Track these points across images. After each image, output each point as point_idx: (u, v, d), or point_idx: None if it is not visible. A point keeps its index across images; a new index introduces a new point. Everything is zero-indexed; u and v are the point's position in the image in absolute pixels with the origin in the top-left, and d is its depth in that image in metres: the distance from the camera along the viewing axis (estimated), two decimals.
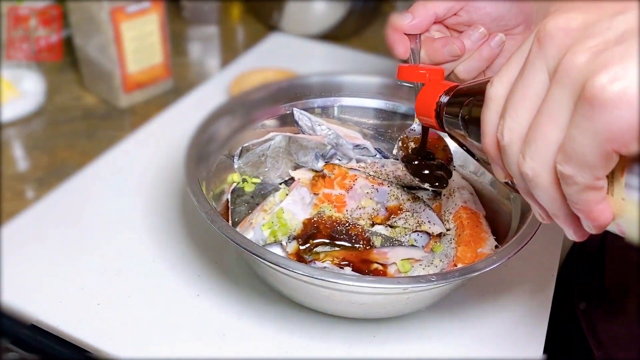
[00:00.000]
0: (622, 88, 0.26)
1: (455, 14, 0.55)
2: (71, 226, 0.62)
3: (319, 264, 0.53)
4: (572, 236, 0.33)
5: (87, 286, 0.55)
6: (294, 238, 0.54)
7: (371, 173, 0.63)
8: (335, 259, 0.54)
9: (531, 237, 0.48)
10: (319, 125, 0.67)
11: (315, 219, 0.55)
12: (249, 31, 1.10)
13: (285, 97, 0.66)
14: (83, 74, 0.86)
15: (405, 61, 0.55)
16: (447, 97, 0.44)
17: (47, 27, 0.78)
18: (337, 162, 0.67)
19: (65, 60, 0.91)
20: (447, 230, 0.58)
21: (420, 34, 0.55)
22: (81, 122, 0.81)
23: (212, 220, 0.47)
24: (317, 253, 0.54)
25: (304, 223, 0.55)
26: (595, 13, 0.29)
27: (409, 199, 0.59)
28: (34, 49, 0.79)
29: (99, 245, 0.60)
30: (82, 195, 0.67)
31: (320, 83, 0.68)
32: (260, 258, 0.45)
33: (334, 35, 1.06)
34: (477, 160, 0.43)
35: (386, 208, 0.59)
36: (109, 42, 0.77)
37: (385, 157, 0.68)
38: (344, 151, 0.67)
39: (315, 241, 0.54)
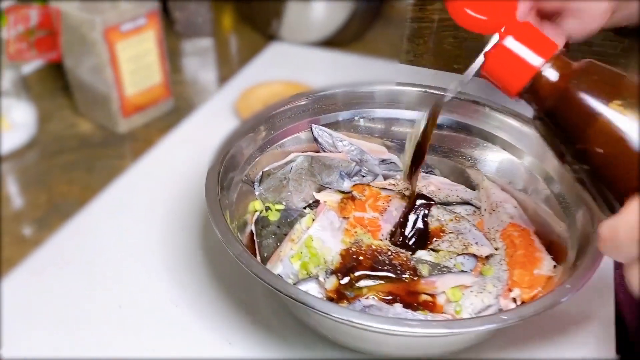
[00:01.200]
0: None
1: None
2: (77, 273, 0.56)
3: (363, 300, 0.47)
4: None
5: (100, 340, 0.50)
6: (333, 272, 0.49)
7: (404, 191, 0.58)
8: (379, 293, 0.48)
9: (600, 260, 0.43)
10: (340, 141, 0.62)
11: (353, 249, 0.50)
12: (246, 41, 1.05)
13: (303, 113, 0.61)
14: (76, 99, 0.80)
15: None
16: (559, 75, 0.33)
17: (47, 28, 0.72)
18: (362, 179, 0.62)
19: (56, 85, 0.85)
20: (495, 249, 0.53)
21: None
22: (78, 152, 0.75)
23: (247, 265, 0.42)
24: (360, 288, 0.48)
25: (341, 255, 0.50)
26: None
27: (451, 220, 0.54)
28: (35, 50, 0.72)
29: (111, 293, 0.54)
30: (87, 236, 0.61)
31: (337, 95, 0.62)
32: (309, 307, 0.39)
33: (336, 40, 1.01)
34: (560, 159, 0.35)
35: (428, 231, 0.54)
36: (104, 64, 0.72)
37: None
38: (369, 167, 0.62)
39: (356, 274, 0.48)
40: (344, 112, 0.62)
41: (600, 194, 0.33)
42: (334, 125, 0.62)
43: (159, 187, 0.67)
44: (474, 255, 0.53)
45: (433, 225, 0.54)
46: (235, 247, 0.43)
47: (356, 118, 0.63)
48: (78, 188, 0.68)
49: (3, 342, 0.49)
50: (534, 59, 0.33)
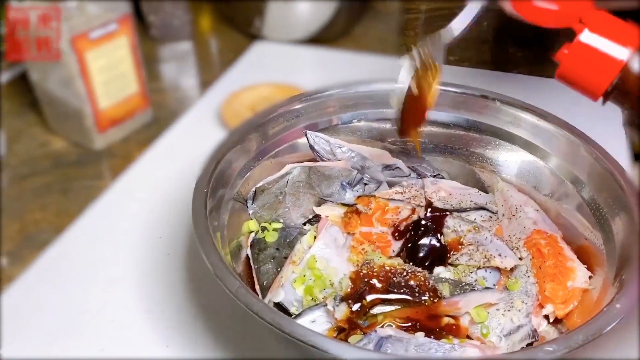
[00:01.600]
0: None
1: None
2: (54, 312, 0.50)
3: (379, 330, 0.42)
4: None
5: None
6: (342, 299, 0.43)
7: (414, 200, 0.52)
8: (397, 320, 0.43)
9: None
10: (339, 147, 0.56)
11: (364, 270, 0.44)
12: (227, 43, 0.99)
13: (296, 118, 0.55)
14: (47, 114, 0.74)
15: None
16: None
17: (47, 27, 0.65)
18: (364, 187, 0.56)
19: (23, 100, 0.78)
20: (519, 259, 0.48)
21: None
22: (51, 173, 0.68)
23: (247, 304, 0.36)
24: (374, 315, 0.43)
25: (351, 278, 0.44)
26: None
27: (469, 230, 0.48)
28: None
29: (92, 335, 0.48)
30: (63, 269, 0.55)
31: (332, 97, 0.57)
32: (321, 351, 0.33)
33: (323, 37, 0.95)
34: None
35: (445, 242, 0.48)
36: (74, 75, 0.65)
37: (422, 176, 0.57)
38: (372, 174, 0.57)
39: (369, 299, 0.43)
40: (341, 115, 0.57)
41: None
42: (330, 131, 0.57)
43: (141, 208, 0.61)
44: (497, 268, 0.47)
45: (449, 237, 0.48)
46: (230, 282, 0.37)
47: (354, 121, 0.58)
48: (52, 214, 0.62)
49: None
50: (618, 51, 0.29)
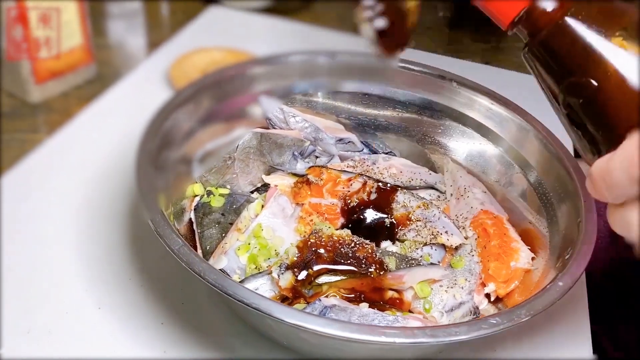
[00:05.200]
0: None
1: None
2: None
3: (324, 300, 0.41)
4: None
5: (6, 351, 0.41)
6: (288, 267, 0.42)
7: (366, 174, 0.52)
8: (342, 290, 0.42)
9: (591, 251, 0.38)
10: (293, 116, 0.55)
11: (312, 240, 0.43)
12: (180, 6, 0.95)
13: (252, 83, 0.53)
14: None
15: None
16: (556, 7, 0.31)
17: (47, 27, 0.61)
18: (316, 160, 0.55)
19: None
20: (465, 239, 0.48)
21: None
22: None
23: (188, 263, 0.34)
24: (320, 285, 0.42)
25: (298, 247, 0.43)
26: None
27: (418, 206, 0.48)
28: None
29: (21, 295, 0.45)
30: None
31: (291, 64, 0.55)
32: (263, 313, 0.32)
33: (280, 8, 0.93)
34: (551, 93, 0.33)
35: (393, 219, 0.48)
36: (10, 20, 0.60)
37: (374, 152, 0.57)
38: (324, 147, 0.56)
39: (316, 269, 0.42)
40: (299, 84, 0.55)
41: (588, 132, 0.32)
42: (285, 99, 0.55)
43: (79, 165, 0.58)
44: (443, 246, 0.48)
45: (398, 212, 0.48)
46: (173, 240, 0.35)
47: (311, 91, 0.56)
48: None
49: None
50: None
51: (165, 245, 0.35)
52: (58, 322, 0.43)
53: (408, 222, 0.48)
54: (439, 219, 0.48)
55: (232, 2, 0.91)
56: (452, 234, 0.47)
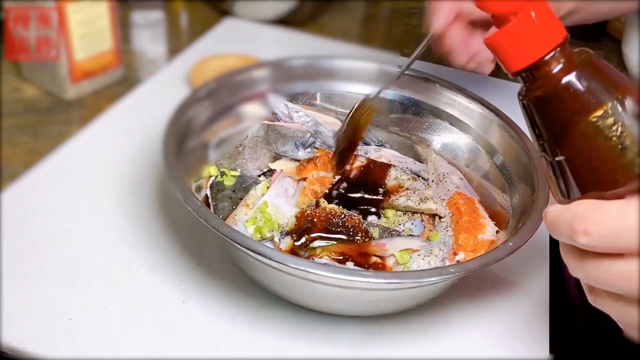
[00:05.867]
0: None
1: None
2: (25, 236, 0.55)
3: (317, 260, 0.49)
4: None
5: (54, 302, 0.49)
6: (287, 233, 0.50)
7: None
8: (332, 253, 0.50)
9: (539, 224, 0.46)
10: (296, 112, 0.63)
11: (308, 211, 0.51)
12: (198, 16, 1.04)
13: (261, 82, 0.62)
14: (22, 62, 0.77)
15: None
16: (560, 61, 0.31)
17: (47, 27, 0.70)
18: (315, 151, 0.63)
19: None
20: (441, 218, 0.56)
21: None
22: (23, 116, 0.72)
23: (206, 219, 0.42)
24: (314, 248, 0.50)
25: (296, 217, 0.51)
26: None
27: (409, 179, 0.56)
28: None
29: (62, 255, 0.53)
30: (34, 199, 0.59)
31: (296, 67, 0.64)
32: (267, 257, 0.40)
33: (290, 20, 1.01)
34: (537, 139, 0.33)
35: (386, 188, 0.56)
36: (53, 26, 0.69)
37: (366, 144, 0.64)
38: (323, 139, 0.64)
39: (311, 235, 0.50)
40: (302, 84, 0.64)
41: (563, 179, 0.32)
42: (290, 97, 0.63)
43: (109, 153, 0.66)
44: (422, 221, 0.55)
45: (391, 184, 0.56)
46: (193, 202, 0.44)
47: (312, 91, 0.64)
48: (23, 152, 0.66)
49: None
50: (542, 45, 0.31)
51: (188, 205, 0.43)
52: (94, 277, 0.51)
53: (400, 190, 0.56)
54: (426, 188, 0.56)
55: (246, 13, 1.00)
56: (436, 202, 0.55)
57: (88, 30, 0.73)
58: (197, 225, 0.52)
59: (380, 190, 0.57)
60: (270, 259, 0.40)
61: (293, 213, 0.55)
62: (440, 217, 0.56)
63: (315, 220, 0.51)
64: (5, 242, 0.53)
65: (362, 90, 0.64)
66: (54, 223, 0.56)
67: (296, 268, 0.40)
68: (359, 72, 0.65)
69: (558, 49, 0.31)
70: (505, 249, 0.43)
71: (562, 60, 0.31)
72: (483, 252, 0.52)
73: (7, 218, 0.56)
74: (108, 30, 0.75)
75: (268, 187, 0.58)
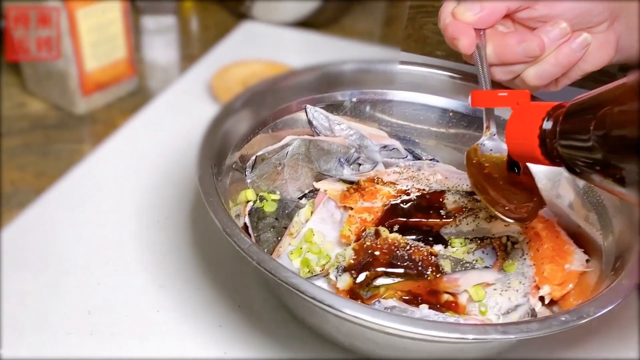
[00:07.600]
0: None
1: (529, 7, 0.45)
2: (36, 276, 0.47)
3: (383, 302, 0.41)
4: None
5: (66, 345, 0.42)
6: (345, 270, 0.43)
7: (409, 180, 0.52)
8: (398, 292, 0.43)
9: None
10: (338, 124, 0.56)
11: (368, 242, 0.44)
12: (212, 20, 0.97)
13: (297, 92, 0.55)
14: (26, 75, 0.70)
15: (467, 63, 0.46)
16: (553, 121, 0.36)
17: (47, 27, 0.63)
18: (358, 167, 0.56)
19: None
20: (514, 244, 0.49)
21: (485, 28, 0.45)
22: (29, 134, 0.65)
23: (259, 261, 0.35)
24: (377, 287, 0.42)
25: (354, 249, 0.44)
26: None
27: (469, 200, 0.49)
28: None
29: (78, 300, 0.46)
30: (45, 230, 0.52)
31: (335, 73, 0.57)
32: (335, 309, 0.33)
33: (311, 22, 0.94)
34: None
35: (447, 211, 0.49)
36: (62, 33, 0.62)
37: (418, 159, 0.57)
38: (368, 154, 0.56)
39: (374, 271, 0.42)
40: (343, 92, 0.56)
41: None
42: (329, 107, 0.56)
43: (127, 175, 0.59)
44: (493, 249, 0.48)
45: (451, 206, 0.49)
46: (242, 241, 0.36)
47: (354, 100, 0.57)
48: (32, 175, 0.59)
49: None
50: (534, 121, 0.37)
51: (236, 245, 0.36)
52: (119, 324, 0.44)
53: (463, 211, 0.48)
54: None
55: (265, 16, 0.93)
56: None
57: (99, 37, 0.65)
58: (235, 259, 0.45)
59: (442, 212, 0.49)
60: (343, 312, 0.32)
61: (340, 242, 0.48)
62: (513, 244, 0.49)
63: (377, 253, 0.43)
64: (11, 282, 0.46)
65: (407, 98, 0.56)
66: (67, 259, 0.49)
67: (375, 323, 0.32)
68: (402, 77, 0.57)
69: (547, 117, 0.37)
70: (619, 290, 0.35)
71: (552, 119, 0.36)
72: (571, 285, 0.45)
73: (11, 256, 0.49)
74: (121, 37, 0.68)
75: (312, 212, 0.51)
